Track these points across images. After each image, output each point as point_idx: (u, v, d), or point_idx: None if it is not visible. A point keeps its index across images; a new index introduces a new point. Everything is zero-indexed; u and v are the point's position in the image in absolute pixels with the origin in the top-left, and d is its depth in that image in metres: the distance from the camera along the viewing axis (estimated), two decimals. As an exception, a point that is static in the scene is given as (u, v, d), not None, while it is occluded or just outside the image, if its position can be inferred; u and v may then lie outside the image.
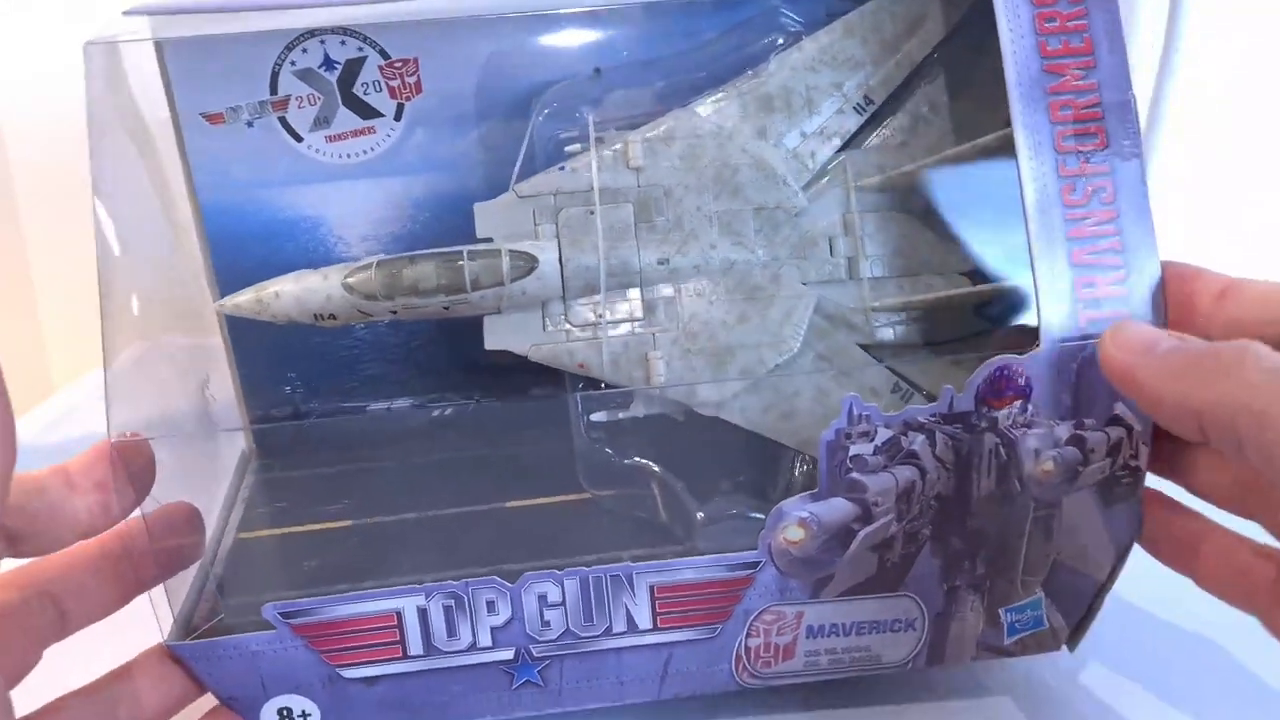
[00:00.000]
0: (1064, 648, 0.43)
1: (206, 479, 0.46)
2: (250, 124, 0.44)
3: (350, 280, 0.40)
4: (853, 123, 0.43)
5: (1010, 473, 0.39)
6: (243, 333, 0.48)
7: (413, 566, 0.41)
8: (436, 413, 0.50)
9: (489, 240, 0.41)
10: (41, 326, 0.65)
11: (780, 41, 0.43)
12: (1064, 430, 0.38)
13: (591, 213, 0.41)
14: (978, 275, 0.42)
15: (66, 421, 0.63)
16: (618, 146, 0.41)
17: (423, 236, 0.46)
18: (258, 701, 0.39)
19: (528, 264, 0.40)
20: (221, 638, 0.38)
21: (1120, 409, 0.38)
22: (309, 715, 0.40)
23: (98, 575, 0.36)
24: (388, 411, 0.49)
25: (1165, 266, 0.38)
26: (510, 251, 0.40)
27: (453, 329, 0.44)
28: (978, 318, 0.42)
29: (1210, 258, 0.67)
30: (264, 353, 0.48)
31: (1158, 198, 0.67)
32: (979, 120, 0.42)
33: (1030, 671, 0.43)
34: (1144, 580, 0.40)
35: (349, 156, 0.45)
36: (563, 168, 0.41)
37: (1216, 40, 0.66)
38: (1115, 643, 0.44)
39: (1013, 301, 0.40)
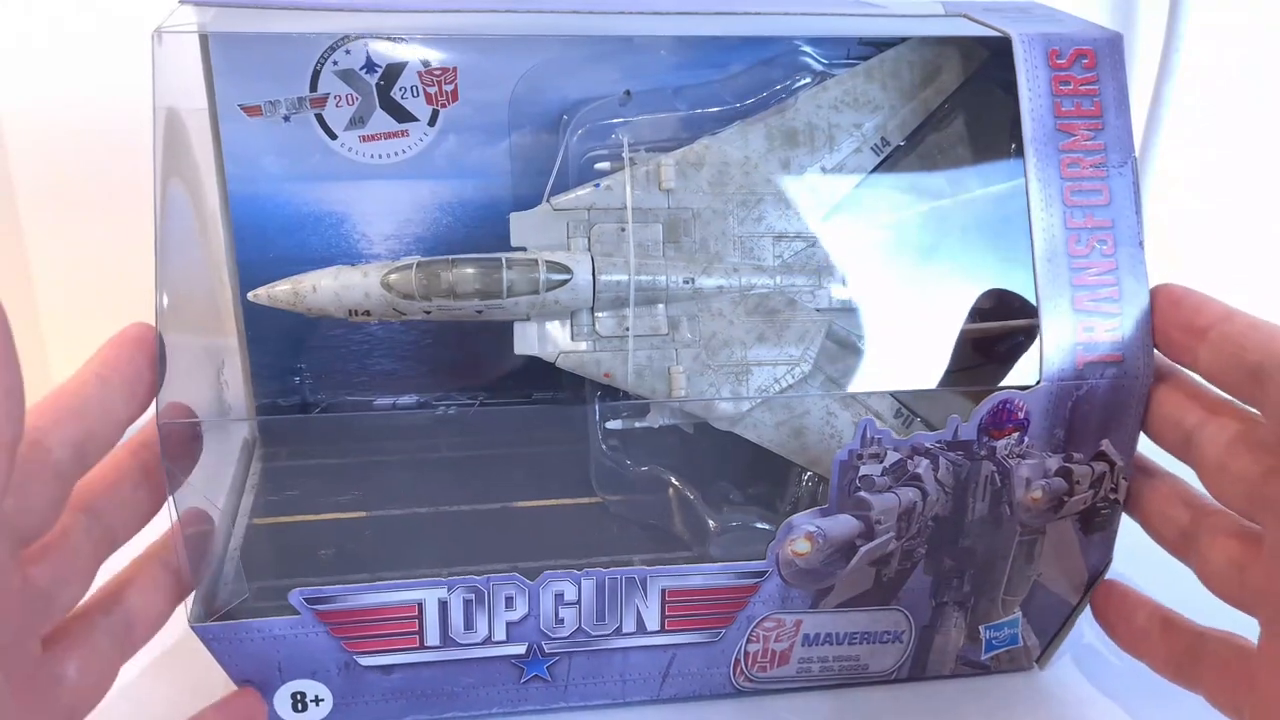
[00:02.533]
0: (1035, 665, 0.46)
1: (219, 457, 0.47)
2: (287, 118, 0.45)
3: (390, 278, 0.41)
4: (869, 162, 0.45)
5: (1002, 499, 0.41)
6: (257, 320, 0.49)
7: (428, 560, 0.43)
8: (440, 411, 0.51)
9: (524, 249, 0.43)
10: (41, 326, 0.64)
11: (804, 80, 0.46)
12: (1054, 462, 0.41)
13: (623, 229, 0.43)
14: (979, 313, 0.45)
15: None
16: (650, 167, 0.43)
17: (446, 239, 0.48)
18: (272, 685, 0.40)
19: (562, 275, 0.42)
20: (246, 620, 0.39)
21: (1106, 445, 0.41)
22: (322, 700, 0.41)
23: (133, 484, 0.36)
24: (393, 408, 0.50)
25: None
26: (547, 262, 0.42)
27: (464, 329, 0.46)
28: (976, 353, 0.45)
29: (1209, 258, 0.71)
30: (276, 341, 0.49)
31: (1158, 199, 0.69)
32: (984, 167, 0.45)
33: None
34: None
35: (381, 157, 0.46)
36: (598, 185, 0.43)
37: (1216, 40, 0.67)
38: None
39: (1012, 340, 0.43)
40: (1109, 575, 0.44)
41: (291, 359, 0.50)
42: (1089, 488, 0.42)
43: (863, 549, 0.41)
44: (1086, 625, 0.45)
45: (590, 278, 0.42)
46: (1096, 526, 0.43)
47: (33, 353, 0.63)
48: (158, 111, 0.38)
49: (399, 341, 0.50)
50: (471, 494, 0.47)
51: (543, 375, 0.44)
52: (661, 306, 0.43)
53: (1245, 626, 0.36)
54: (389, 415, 0.50)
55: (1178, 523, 0.40)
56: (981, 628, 0.44)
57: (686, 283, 0.43)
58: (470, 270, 0.41)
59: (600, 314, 0.43)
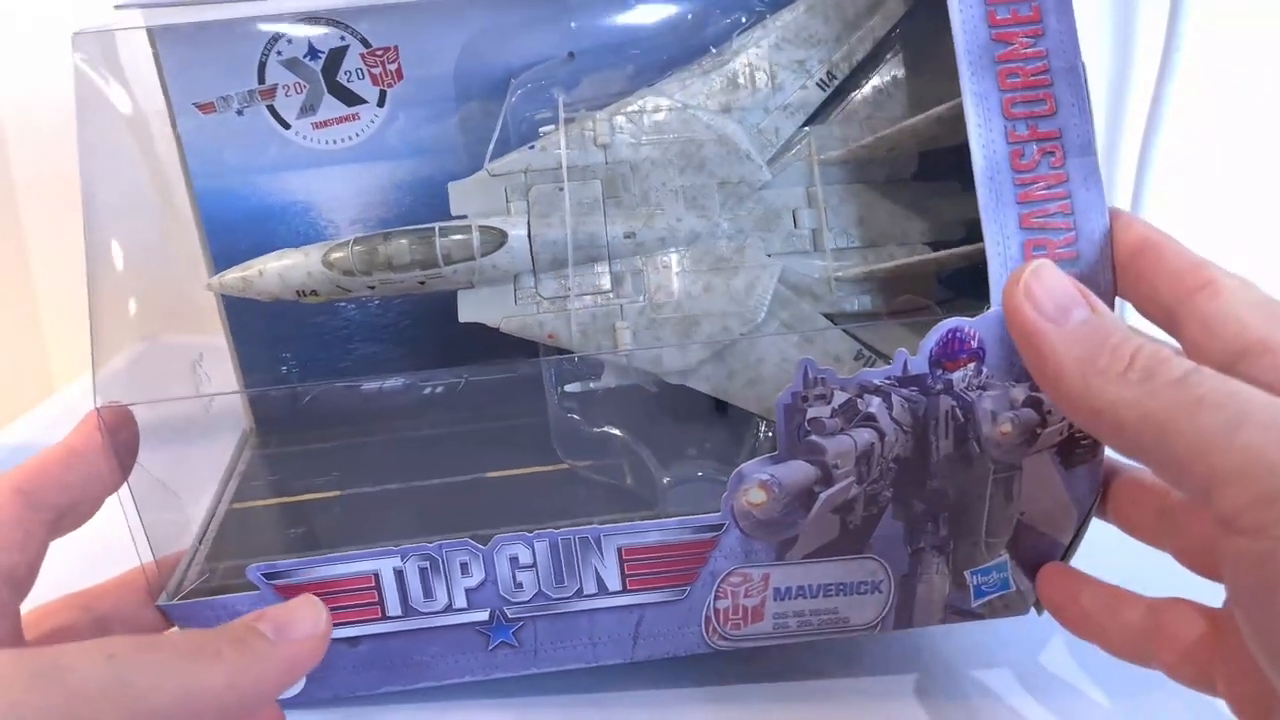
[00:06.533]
0: (1032, 610, 0.43)
1: (204, 453, 0.48)
2: (240, 112, 0.46)
3: (330, 257, 0.42)
4: (816, 98, 0.44)
5: (968, 434, 0.39)
6: (241, 314, 0.50)
7: (393, 532, 0.43)
8: (427, 390, 0.51)
9: (462, 217, 0.43)
10: (41, 326, 0.67)
11: (744, 20, 0.44)
12: (1020, 392, 0.39)
13: (560, 189, 0.42)
14: (939, 244, 0.43)
15: (66, 421, 0.64)
16: (587, 125, 0.43)
17: (409, 218, 0.48)
18: (244, 660, 0.41)
19: (497, 239, 0.42)
20: (209, 598, 0.40)
21: (1075, 370, 0.39)
22: (293, 674, 0.42)
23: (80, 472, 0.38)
24: (380, 390, 0.51)
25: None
26: (480, 227, 0.42)
27: (441, 309, 0.46)
28: (941, 286, 0.43)
29: (1209, 258, 0.67)
30: (261, 333, 0.50)
31: (1158, 199, 0.66)
32: (938, 92, 0.43)
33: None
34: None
35: (335, 142, 0.47)
36: (532, 146, 0.43)
37: (1216, 40, 0.65)
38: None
39: (974, 266, 0.41)
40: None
41: (278, 349, 0.51)
42: (1063, 417, 0.39)
43: (822, 495, 0.40)
44: (1083, 563, 0.43)
45: (526, 240, 0.42)
46: (1078, 459, 0.40)
47: (33, 352, 0.65)
48: (81, 114, 0.39)
49: (376, 325, 0.51)
50: (445, 467, 0.47)
51: (525, 348, 0.44)
52: (604, 264, 0.42)
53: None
54: (374, 398, 0.51)
55: (1152, 509, 0.39)
56: (967, 573, 0.42)
57: (628, 237, 0.42)
58: (405, 241, 0.42)
59: (542, 275, 0.42)
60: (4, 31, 0.63)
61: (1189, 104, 0.66)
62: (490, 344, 0.45)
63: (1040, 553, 0.42)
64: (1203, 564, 0.37)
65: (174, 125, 0.47)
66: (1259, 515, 0.26)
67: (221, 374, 0.50)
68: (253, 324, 0.50)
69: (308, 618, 0.34)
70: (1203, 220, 0.68)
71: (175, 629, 0.40)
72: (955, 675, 0.43)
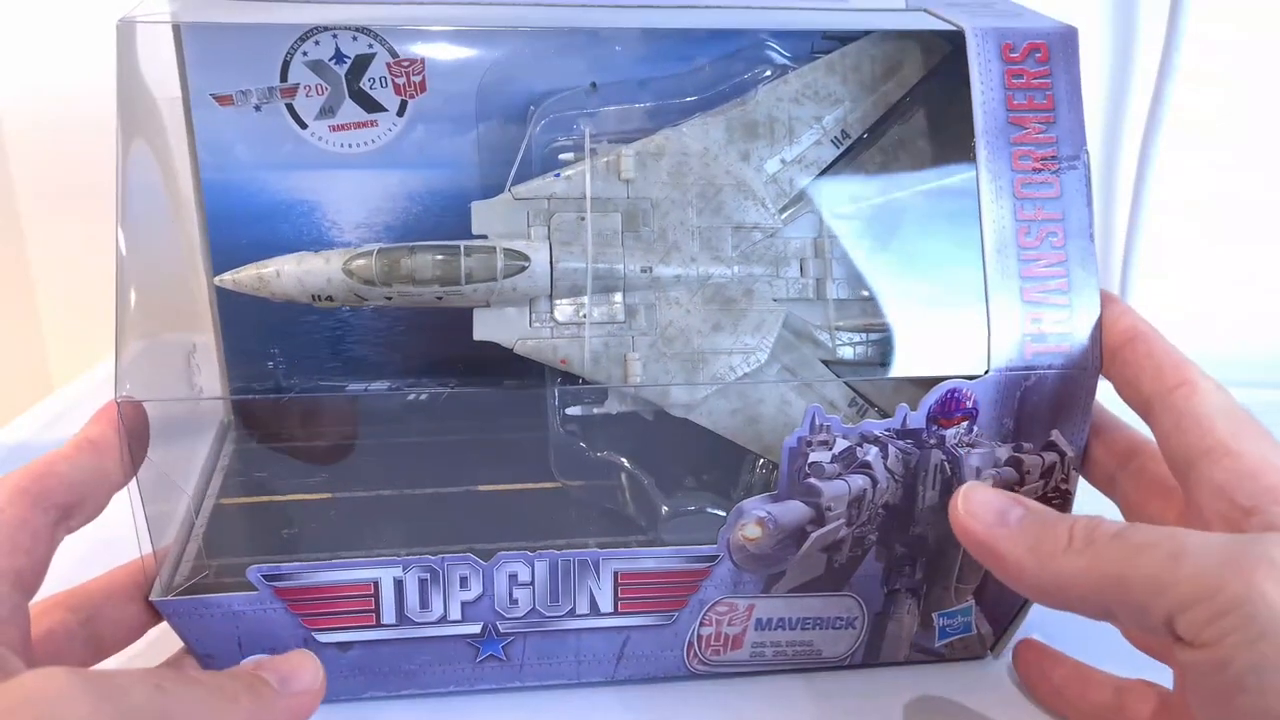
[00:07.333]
0: (989, 653, 0.46)
1: (191, 439, 0.48)
2: (258, 108, 0.46)
3: (351, 265, 0.42)
4: (829, 154, 0.46)
5: (953, 487, 0.42)
6: (231, 305, 0.50)
7: (387, 541, 0.44)
8: (411, 397, 0.52)
9: (484, 237, 0.43)
10: (41, 326, 0.65)
11: (767, 73, 0.46)
12: (1004, 451, 0.42)
13: (582, 219, 0.44)
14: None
15: (66, 420, 0.64)
16: (610, 158, 0.44)
17: (415, 228, 0.48)
18: (232, 659, 0.41)
19: (520, 262, 0.42)
20: (206, 596, 0.40)
21: (1056, 436, 0.42)
22: (281, 676, 0.42)
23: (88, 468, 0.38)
24: (364, 392, 0.51)
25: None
26: (505, 249, 0.42)
27: (435, 318, 0.46)
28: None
29: (1209, 259, 0.70)
30: (250, 327, 0.50)
31: (1158, 200, 0.69)
32: (948, 157, 0.46)
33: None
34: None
35: (350, 146, 0.47)
36: (558, 174, 0.44)
37: (1216, 40, 0.67)
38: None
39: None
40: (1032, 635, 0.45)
41: (266, 344, 0.51)
42: (1039, 477, 0.42)
43: (813, 535, 0.42)
44: (1040, 614, 0.46)
45: (548, 265, 0.43)
46: (1048, 516, 0.43)
47: (33, 353, 0.64)
48: (122, 101, 0.39)
49: (371, 328, 0.51)
50: (436, 478, 0.48)
51: (515, 363, 0.45)
52: (619, 295, 0.44)
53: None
54: (359, 401, 0.51)
55: None
56: (935, 615, 0.45)
57: (644, 271, 0.44)
58: (429, 257, 0.42)
59: (558, 301, 0.43)
60: (3, 32, 0.61)
61: (1189, 104, 0.68)
62: (481, 356, 0.46)
63: (1004, 601, 0.45)
64: (1141, 642, 0.41)
65: (188, 114, 0.46)
66: (1213, 631, 0.30)
67: (208, 366, 0.50)
68: (244, 318, 0.50)
69: (308, 671, 0.35)
70: (1202, 219, 0.71)
71: (189, 658, 0.40)
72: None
